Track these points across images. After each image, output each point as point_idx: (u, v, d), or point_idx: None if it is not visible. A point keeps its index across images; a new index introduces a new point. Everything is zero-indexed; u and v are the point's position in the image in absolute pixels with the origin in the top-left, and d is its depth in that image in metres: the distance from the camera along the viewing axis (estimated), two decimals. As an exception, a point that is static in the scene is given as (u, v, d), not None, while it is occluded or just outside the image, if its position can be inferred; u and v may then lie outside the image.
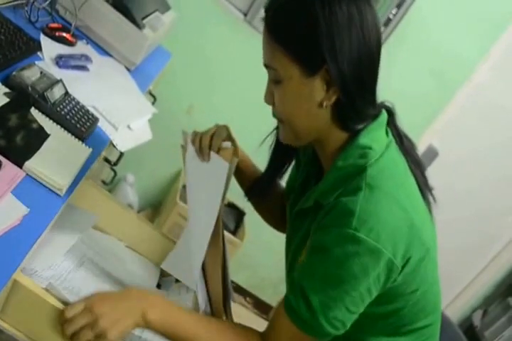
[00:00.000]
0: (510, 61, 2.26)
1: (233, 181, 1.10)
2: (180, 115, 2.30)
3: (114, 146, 1.22)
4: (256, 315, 2.68)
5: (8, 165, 0.88)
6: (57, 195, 0.92)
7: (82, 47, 1.47)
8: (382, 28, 2.09)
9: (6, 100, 0.99)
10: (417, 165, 0.95)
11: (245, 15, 2.15)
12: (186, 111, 2.31)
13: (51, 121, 1.06)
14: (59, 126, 1.06)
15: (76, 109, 1.14)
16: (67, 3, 1.49)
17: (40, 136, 0.99)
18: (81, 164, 1.02)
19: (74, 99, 1.16)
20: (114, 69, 1.54)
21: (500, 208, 2.60)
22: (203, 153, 1.03)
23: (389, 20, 2.10)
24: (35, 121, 1.01)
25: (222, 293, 1.09)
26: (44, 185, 0.92)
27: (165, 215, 2.24)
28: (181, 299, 1.17)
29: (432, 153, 2.40)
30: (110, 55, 1.57)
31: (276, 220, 1.22)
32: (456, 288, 2.82)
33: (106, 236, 1.25)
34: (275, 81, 0.86)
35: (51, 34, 1.39)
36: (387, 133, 0.92)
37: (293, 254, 0.98)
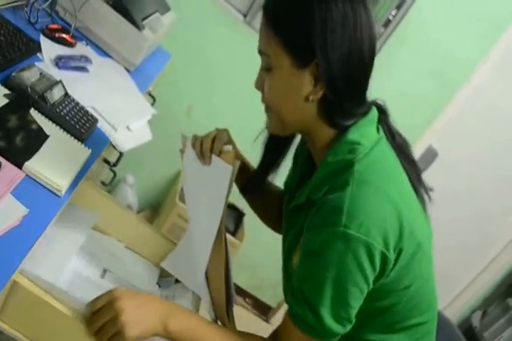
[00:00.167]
0: (509, 62, 2.26)
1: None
2: (179, 116, 2.30)
3: (113, 147, 1.22)
4: (255, 316, 2.67)
5: (7, 165, 0.88)
6: (56, 195, 0.93)
7: (81, 49, 1.47)
8: (382, 29, 2.11)
9: (6, 101, 1.00)
10: (409, 162, 0.95)
11: (245, 16, 2.16)
12: (186, 112, 2.31)
13: (51, 122, 1.06)
14: (58, 127, 1.07)
15: (76, 109, 1.14)
16: (66, 5, 1.49)
17: (39, 137, 0.99)
18: (80, 165, 1.03)
19: (73, 100, 1.16)
20: (114, 70, 1.54)
21: (500, 208, 2.60)
22: (204, 156, 1.03)
23: (389, 21, 2.10)
24: (35, 122, 1.01)
25: (225, 297, 1.08)
26: (43, 186, 0.92)
27: (164, 216, 2.24)
28: (181, 299, 1.17)
29: (432, 154, 2.40)
30: (110, 56, 1.57)
31: (272, 220, 1.22)
32: (456, 289, 2.82)
33: (105, 237, 1.25)
34: (267, 68, 0.88)
35: (51, 35, 1.39)
36: (378, 130, 0.93)
37: (287, 251, 0.99)
